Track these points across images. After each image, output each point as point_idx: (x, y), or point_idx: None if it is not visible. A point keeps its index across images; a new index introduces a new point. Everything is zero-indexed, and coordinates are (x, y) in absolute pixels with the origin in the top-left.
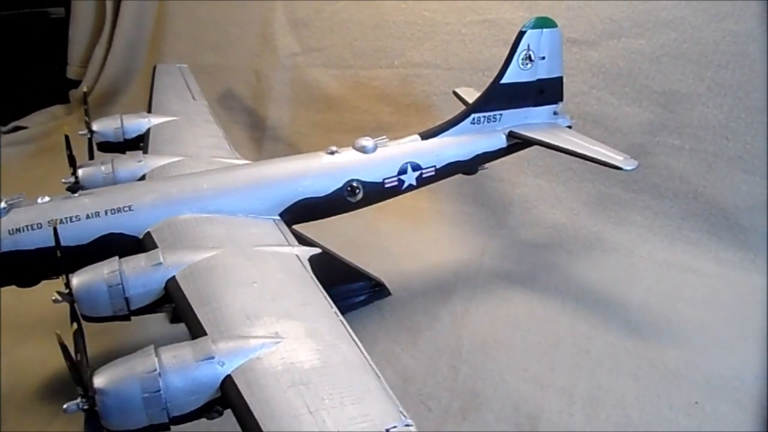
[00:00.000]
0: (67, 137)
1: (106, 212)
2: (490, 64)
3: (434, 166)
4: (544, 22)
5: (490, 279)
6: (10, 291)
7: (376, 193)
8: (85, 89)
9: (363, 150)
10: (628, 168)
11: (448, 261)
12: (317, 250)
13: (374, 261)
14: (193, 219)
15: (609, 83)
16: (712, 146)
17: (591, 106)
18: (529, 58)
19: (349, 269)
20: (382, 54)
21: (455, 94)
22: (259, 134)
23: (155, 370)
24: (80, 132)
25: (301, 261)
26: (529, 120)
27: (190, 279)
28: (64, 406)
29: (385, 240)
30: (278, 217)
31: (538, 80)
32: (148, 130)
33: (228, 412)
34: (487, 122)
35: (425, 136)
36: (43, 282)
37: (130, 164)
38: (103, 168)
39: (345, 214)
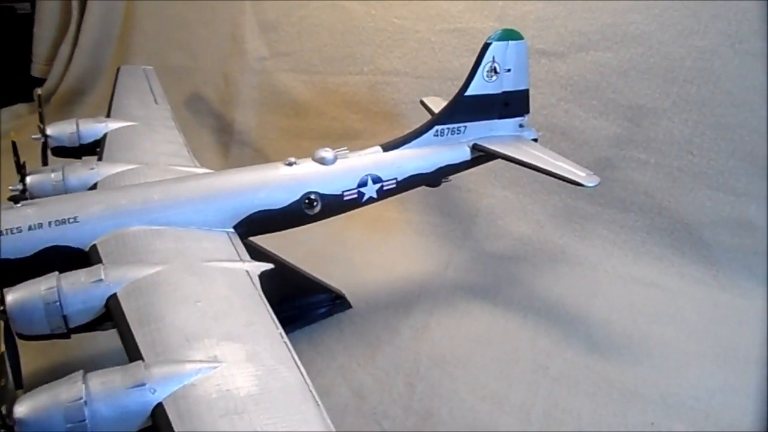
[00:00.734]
0: (14, 143)
1: (50, 223)
2: (459, 74)
3: (395, 179)
4: (509, 35)
5: (453, 292)
6: None
7: (335, 205)
8: (39, 91)
9: (322, 161)
10: (590, 185)
11: (412, 273)
12: (269, 266)
13: (337, 272)
14: (141, 231)
15: (577, 96)
16: (677, 161)
17: (559, 119)
18: (494, 70)
19: (308, 282)
20: (351, 60)
21: (422, 103)
22: (226, 138)
23: (81, 398)
24: (33, 136)
25: (250, 277)
26: (494, 132)
27: (131, 296)
28: None
29: (349, 251)
30: (232, 230)
31: (504, 93)
32: (105, 135)
33: None
34: (451, 134)
35: (387, 147)
36: None
37: (81, 172)
38: (53, 175)
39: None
